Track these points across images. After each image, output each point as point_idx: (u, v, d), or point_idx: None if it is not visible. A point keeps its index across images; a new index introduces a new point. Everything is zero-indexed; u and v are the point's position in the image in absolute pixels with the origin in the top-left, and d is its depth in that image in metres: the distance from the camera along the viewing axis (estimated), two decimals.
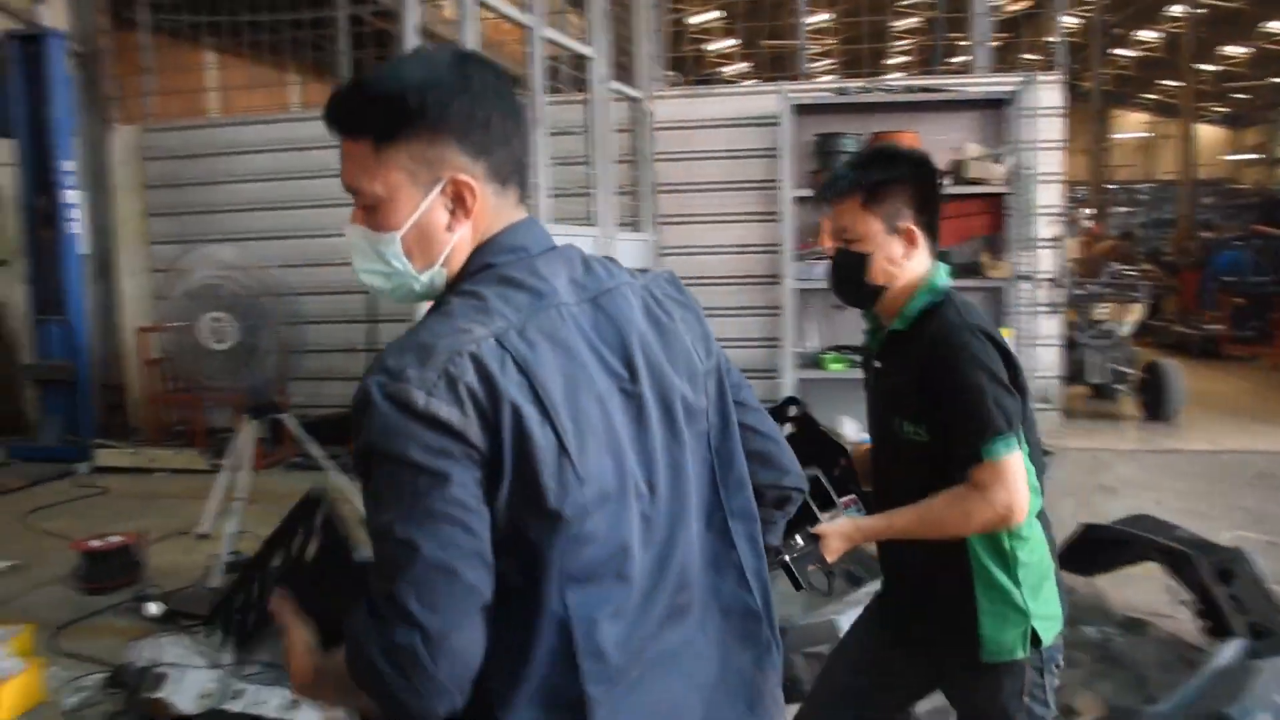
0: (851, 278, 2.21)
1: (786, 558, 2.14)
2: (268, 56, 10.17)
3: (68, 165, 8.01)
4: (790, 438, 2.31)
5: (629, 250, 7.02)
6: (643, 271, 1.41)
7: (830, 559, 2.17)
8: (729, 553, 1.36)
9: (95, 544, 5.18)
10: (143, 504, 7.02)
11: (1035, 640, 2.11)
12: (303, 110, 10.13)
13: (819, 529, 2.18)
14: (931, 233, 2.19)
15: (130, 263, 9.22)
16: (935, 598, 2.23)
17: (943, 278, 2.19)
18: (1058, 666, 2.22)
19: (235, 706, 3.59)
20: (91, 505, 7.04)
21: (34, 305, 8.24)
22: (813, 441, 2.36)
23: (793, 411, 2.41)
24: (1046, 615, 2.14)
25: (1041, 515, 2.21)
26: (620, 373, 1.25)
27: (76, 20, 8.86)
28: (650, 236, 7.91)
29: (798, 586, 2.16)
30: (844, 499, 2.32)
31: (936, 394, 2.07)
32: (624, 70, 7.73)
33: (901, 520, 2.12)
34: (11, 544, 5.98)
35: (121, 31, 9.33)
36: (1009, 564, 2.12)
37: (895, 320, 2.20)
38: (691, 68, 13.53)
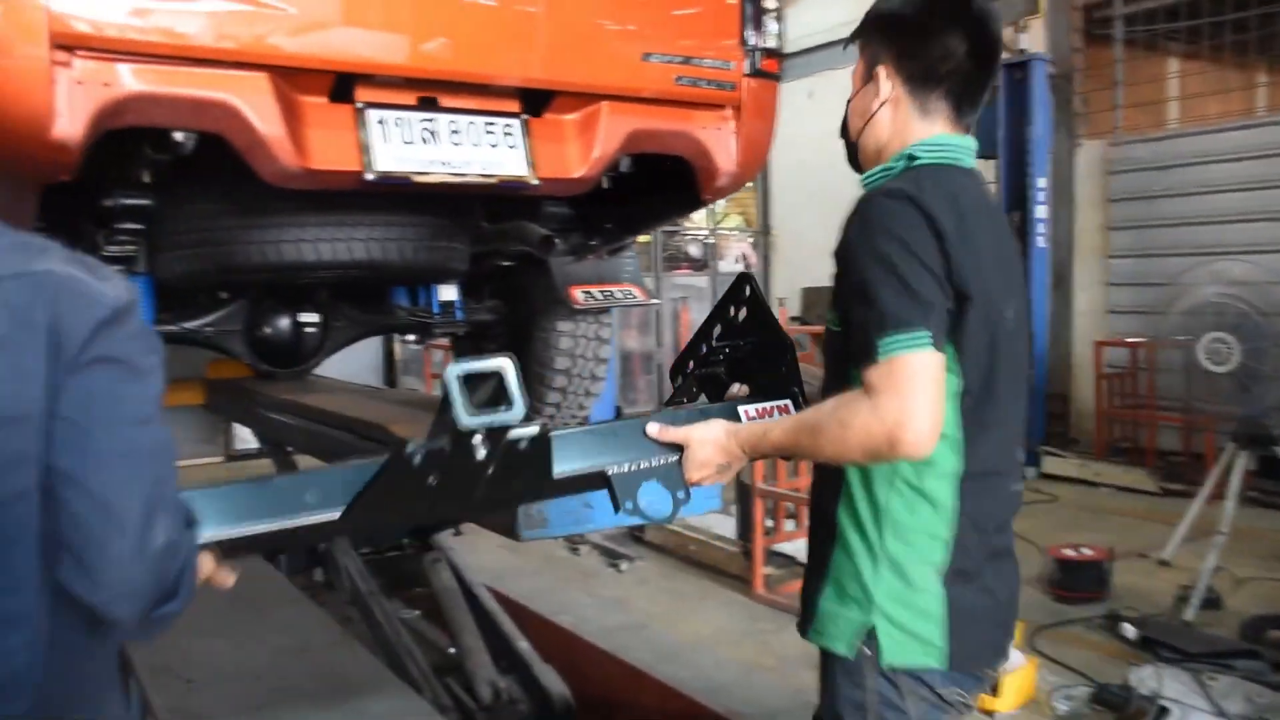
0: (843, 130, 1.86)
1: (609, 471, 1.75)
2: (1235, 59, 9.45)
3: (1041, 182, 8.37)
4: (740, 325, 2.06)
5: None
6: None
7: (698, 476, 1.77)
8: None
9: (1069, 553, 5.28)
10: (1092, 518, 7.03)
11: (872, 645, 1.59)
12: (1272, 114, 9.23)
13: (681, 435, 1.77)
14: (926, 90, 1.70)
15: (1085, 276, 9.33)
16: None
17: (926, 146, 1.67)
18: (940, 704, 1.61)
19: None
20: (1044, 510, 7.25)
21: None
22: (759, 331, 2.04)
23: (746, 292, 2.04)
24: (903, 623, 1.59)
25: (969, 489, 1.60)
26: None
27: (1052, 42, 9.22)
28: None
29: (616, 507, 1.75)
30: (766, 404, 1.93)
31: (841, 272, 1.63)
32: None
33: (779, 429, 1.68)
34: None
35: (1091, 48, 9.46)
36: (874, 516, 1.62)
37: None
38: None
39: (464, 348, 4.22)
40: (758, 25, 2.83)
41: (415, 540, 5.09)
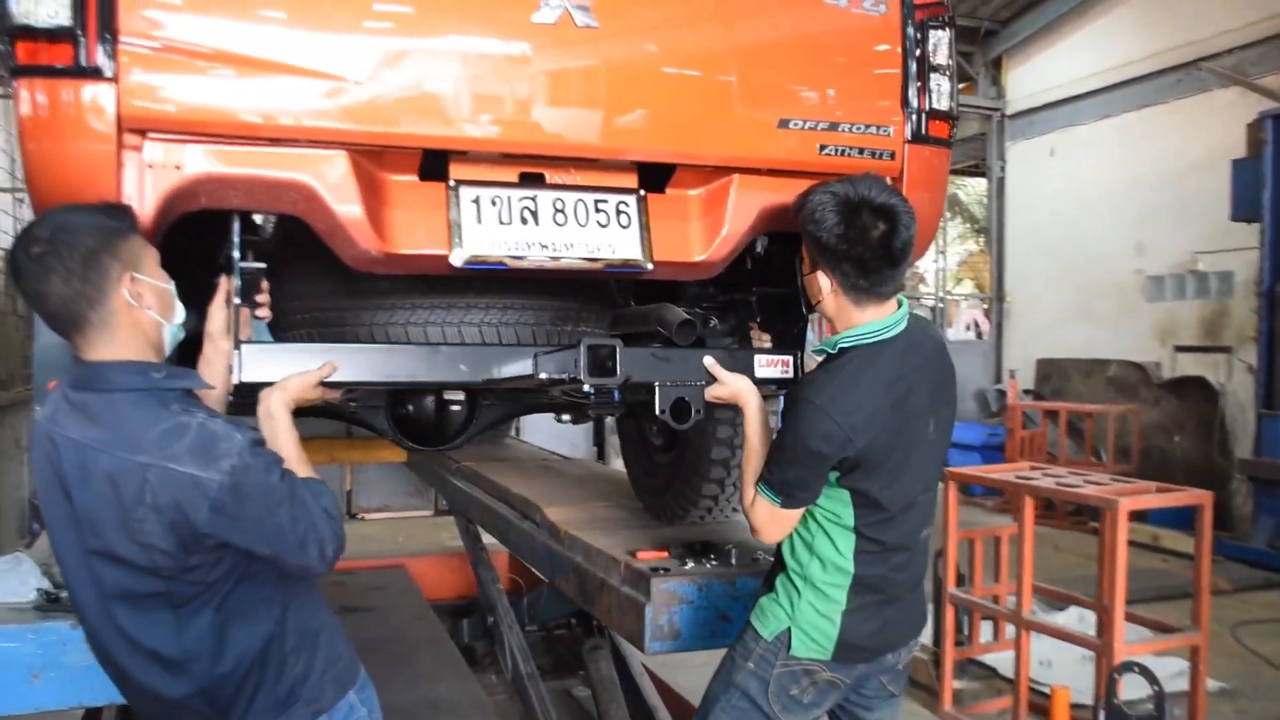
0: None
1: (657, 382, 2.40)
2: None
3: None
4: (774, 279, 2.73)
5: None
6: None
7: (711, 399, 2.39)
8: None
9: None
10: None
11: (787, 641, 2.24)
12: None
13: (721, 374, 2.34)
14: (856, 290, 2.14)
15: None
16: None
17: (849, 337, 2.17)
18: (810, 683, 2.26)
19: None
20: None
21: (1260, 397, 7.74)
22: (791, 290, 2.58)
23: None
24: (811, 629, 2.23)
25: (865, 564, 2.22)
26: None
27: None
28: None
29: (655, 410, 2.42)
30: (773, 358, 2.55)
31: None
32: None
33: (756, 437, 2.28)
34: (1219, 660, 5.36)
35: None
36: (803, 569, 2.25)
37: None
38: None
39: (627, 428, 3.96)
40: (923, 84, 2.45)
41: (578, 623, 4.85)
